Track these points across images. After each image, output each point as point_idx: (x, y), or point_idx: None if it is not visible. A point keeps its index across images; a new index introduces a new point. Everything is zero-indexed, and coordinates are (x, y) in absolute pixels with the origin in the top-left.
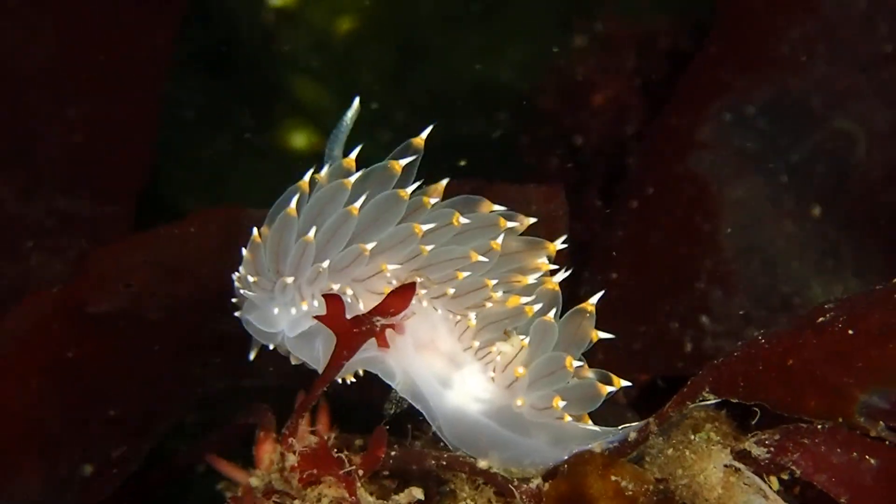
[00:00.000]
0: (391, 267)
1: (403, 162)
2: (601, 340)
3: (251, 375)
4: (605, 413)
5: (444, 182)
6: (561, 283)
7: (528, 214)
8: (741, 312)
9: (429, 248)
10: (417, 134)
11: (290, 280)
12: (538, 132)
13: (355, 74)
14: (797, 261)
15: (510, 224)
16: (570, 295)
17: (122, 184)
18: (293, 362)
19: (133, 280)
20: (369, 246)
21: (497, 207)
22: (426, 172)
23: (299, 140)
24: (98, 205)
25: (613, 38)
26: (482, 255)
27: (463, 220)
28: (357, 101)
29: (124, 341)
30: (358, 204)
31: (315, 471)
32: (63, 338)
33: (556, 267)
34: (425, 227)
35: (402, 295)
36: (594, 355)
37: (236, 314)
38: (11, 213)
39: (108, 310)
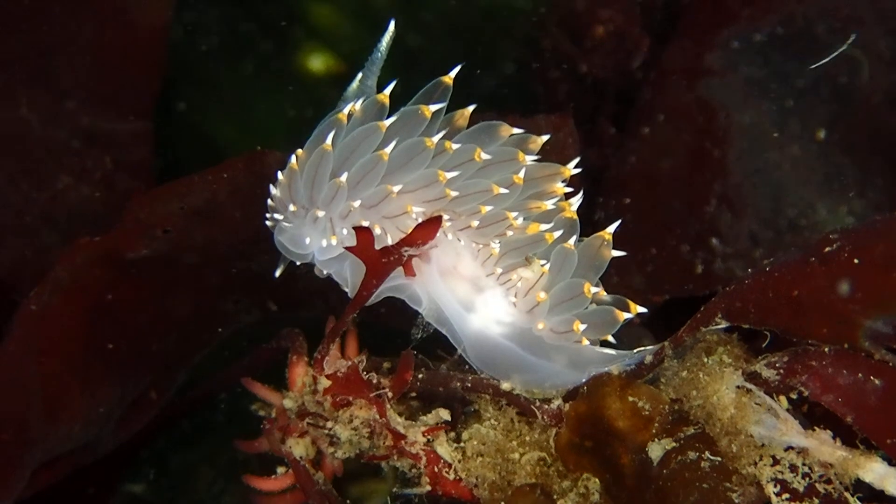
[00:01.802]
0: (416, 209)
1: (433, 107)
2: (616, 263)
3: (281, 309)
4: (622, 334)
5: (470, 109)
6: (577, 209)
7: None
8: (749, 234)
9: (453, 189)
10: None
11: (321, 213)
12: (546, 62)
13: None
14: (803, 183)
15: (529, 158)
16: (585, 219)
17: (141, 99)
18: (318, 275)
19: (170, 226)
20: (396, 188)
21: (516, 130)
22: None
23: (317, 63)
24: (120, 122)
25: None
26: (504, 188)
27: (484, 156)
28: (392, 26)
29: (161, 284)
30: (389, 149)
31: (347, 393)
32: (104, 283)
33: (570, 190)
34: (450, 175)
35: (429, 227)
36: (609, 278)
37: (267, 242)
38: (38, 136)
39: (146, 255)
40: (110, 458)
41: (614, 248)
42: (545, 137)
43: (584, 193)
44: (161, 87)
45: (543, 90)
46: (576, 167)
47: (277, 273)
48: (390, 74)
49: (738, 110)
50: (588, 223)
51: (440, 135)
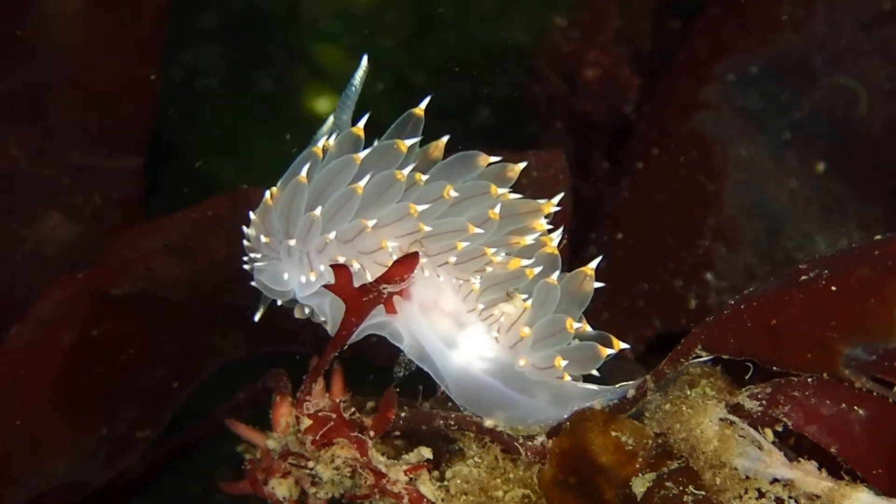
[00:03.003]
0: (391, 243)
1: (409, 142)
2: (607, 298)
3: (268, 344)
4: (614, 369)
5: (445, 140)
6: (569, 243)
7: (529, 181)
8: (745, 268)
9: (426, 225)
10: (435, 96)
11: (297, 248)
12: (541, 99)
13: (375, 40)
14: (801, 216)
15: (501, 190)
16: (578, 254)
17: (132, 136)
18: (299, 316)
19: (153, 263)
20: (370, 223)
21: (494, 159)
22: (442, 133)
23: (322, 105)
24: (110, 159)
25: (594, 6)
26: (480, 224)
27: (453, 194)
28: (364, 61)
29: (147, 319)
30: (363, 182)
31: (328, 433)
32: (88, 318)
33: (550, 227)
34: (420, 208)
35: (406, 264)
36: (600, 314)
37: (251, 278)
38: (25, 173)
39: (130, 291)
40: (102, 496)
41: (601, 281)
42: (522, 165)
43: (577, 229)
44: (155, 124)
45: (540, 127)
46: (560, 203)
47: (257, 317)
48: (395, 113)
49: (734, 143)
50: (580, 258)
51: (410, 167)
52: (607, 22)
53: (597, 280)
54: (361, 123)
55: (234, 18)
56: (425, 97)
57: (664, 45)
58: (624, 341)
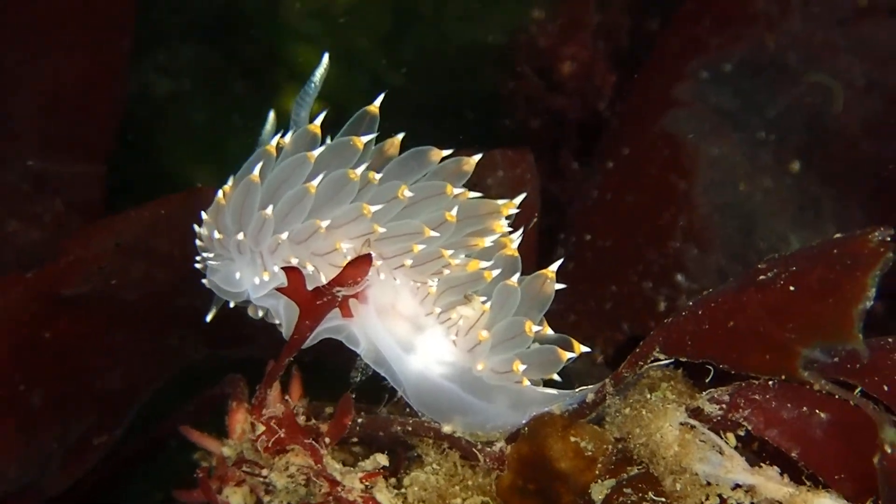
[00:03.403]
0: (345, 245)
1: (365, 139)
2: (573, 301)
3: (228, 347)
4: (583, 373)
5: (400, 137)
6: (537, 245)
7: (495, 180)
8: (717, 269)
9: (381, 227)
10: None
11: (242, 238)
12: (516, 96)
13: (353, 40)
14: (775, 216)
15: (457, 190)
16: (546, 255)
17: (95, 142)
18: (253, 316)
19: (105, 263)
20: (324, 223)
21: (446, 152)
22: (420, 137)
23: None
24: (72, 164)
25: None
26: (437, 225)
27: (408, 194)
28: (325, 59)
29: (100, 320)
30: (316, 182)
31: (281, 440)
32: (39, 319)
33: (510, 229)
34: (374, 209)
35: (359, 266)
36: (566, 317)
37: (203, 281)
38: None
39: (82, 292)
40: (62, 502)
41: (567, 283)
42: (476, 157)
43: (547, 230)
44: (121, 129)
45: (516, 125)
46: (523, 203)
47: (209, 317)
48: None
49: (707, 142)
50: (550, 261)
51: (363, 166)
52: (586, 16)
53: (563, 282)
54: (318, 121)
55: (209, 19)
56: (382, 94)
57: (642, 42)
58: (591, 344)
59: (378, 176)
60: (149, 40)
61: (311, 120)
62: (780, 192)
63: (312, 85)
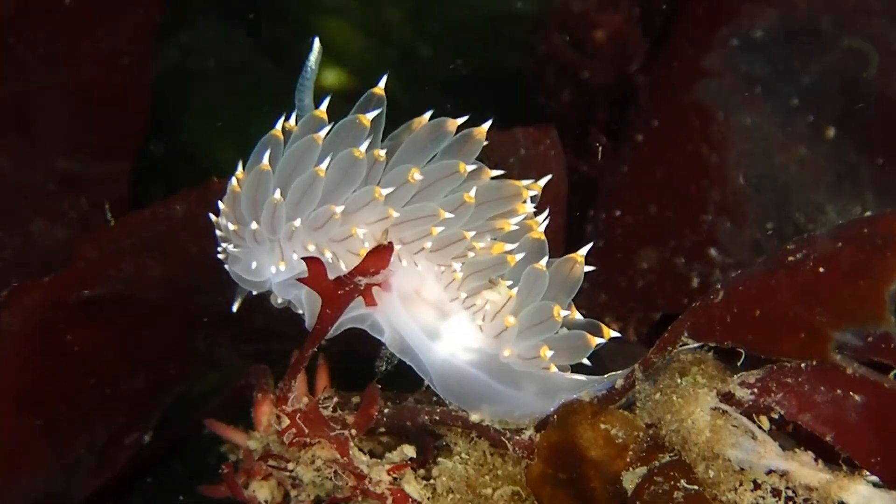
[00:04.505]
0: (361, 231)
1: (370, 115)
2: (604, 280)
3: (254, 341)
4: (616, 352)
5: (428, 115)
6: (565, 223)
7: (517, 159)
8: (752, 243)
9: (396, 211)
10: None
11: (266, 236)
12: (545, 68)
13: (381, 11)
14: (811, 186)
15: (471, 167)
16: (577, 233)
17: (120, 140)
18: (275, 304)
19: (122, 264)
20: (339, 209)
21: (461, 120)
22: (449, 110)
23: (330, 78)
24: (97, 163)
25: None
26: (455, 207)
27: (418, 177)
28: (317, 43)
29: (123, 322)
30: (324, 165)
31: (306, 433)
32: (60, 324)
33: (532, 210)
34: (386, 191)
35: (380, 255)
36: (597, 296)
37: (226, 272)
38: (11, 179)
39: (101, 294)
40: None
41: (596, 263)
42: (487, 125)
43: (575, 207)
44: (146, 121)
45: (545, 98)
46: (549, 184)
47: (235, 307)
48: (402, 86)
49: (738, 112)
50: (579, 237)
51: (367, 143)
52: None
53: (592, 261)
54: (323, 106)
55: None
56: (385, 76)
57: (675, 9)
58: (624, 324)
59: (383, 153)
60: (174, 19)
61: (317, 105)
62: (816, 161)
63: (309, 69)
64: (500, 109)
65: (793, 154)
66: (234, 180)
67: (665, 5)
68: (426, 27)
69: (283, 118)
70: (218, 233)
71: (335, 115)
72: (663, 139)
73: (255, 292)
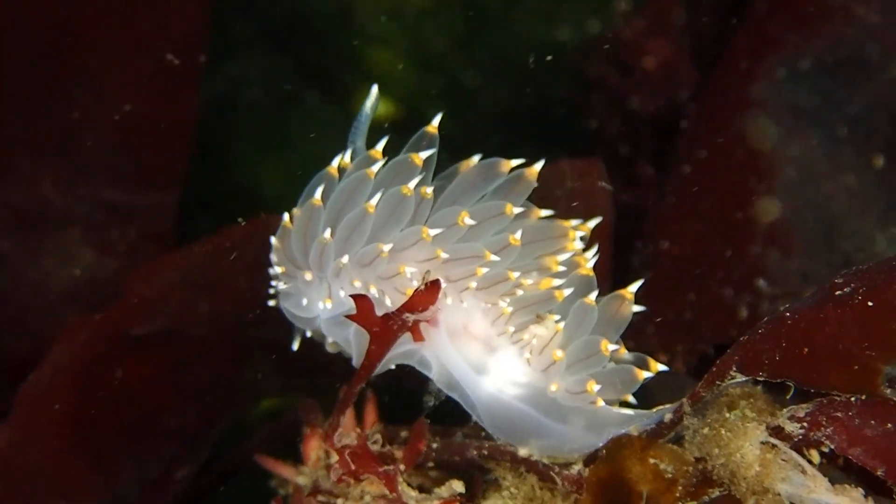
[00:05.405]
0: (410, 269)
1: (423, 155)
2: (650, 312)
3: (303, 376)
4: (663, 383)
5: (476, 158)
6: (612, 255)
7: (564, 192)
8: (800, 272)
9: (444, 252)
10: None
11: (313, 273)
12: (593, 96)
13: (426, 42)
14: (859, 215)
15: (516, 210)
16: (623, 265)
17: (166, 169)
18: (329, 350)
19: (171, 300)
20: (386, 247)
21: (514, 162)
22: (495, 139)
23: (378, 108)
24: (143, 193)
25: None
26: (500, 249)
27: (468, 221)
28: (375, 89)
29: (171, 356)
30: (374, 201)
31: (355, 469)
32: (109, 360)
33: (581, 247)
34: (433, 232)
35: (429, 293)
36: (645, 328)
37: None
38: (59, 209)
39: (150, 330)
40: None
41: (645, 297)
42: (539, 166)
43: (621, 239)
44: (191, 150)
45: (592, 127)
46: (597, 225)
47: (295, 346)
48: (447, 115)
49: (786, 142)
50: (626, 270)
51: (416, 180)
52: (673, 10)
53: (640, 295)
54: (380, 146)
55: (279, 26)
56: (440, 115)
57: (724, 42)
58: (671, 356)
59: (430, 190)
60: (219, 50)
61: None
62: (865, 191)
63: (365, 113)
64: (546, 138)
65: (841, 183)
66: (286, 216)
67: (714, 35)
68: (473, 56)
69: (339, 156)
70: (270, 270)
71: (384, 146)
72: (710, 169)
73: (308, 333)
